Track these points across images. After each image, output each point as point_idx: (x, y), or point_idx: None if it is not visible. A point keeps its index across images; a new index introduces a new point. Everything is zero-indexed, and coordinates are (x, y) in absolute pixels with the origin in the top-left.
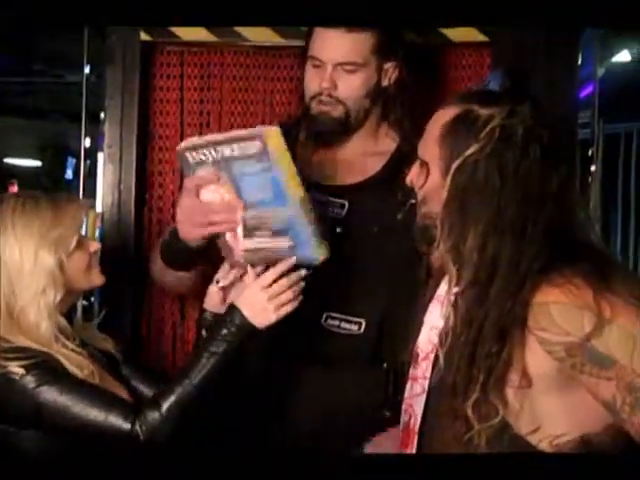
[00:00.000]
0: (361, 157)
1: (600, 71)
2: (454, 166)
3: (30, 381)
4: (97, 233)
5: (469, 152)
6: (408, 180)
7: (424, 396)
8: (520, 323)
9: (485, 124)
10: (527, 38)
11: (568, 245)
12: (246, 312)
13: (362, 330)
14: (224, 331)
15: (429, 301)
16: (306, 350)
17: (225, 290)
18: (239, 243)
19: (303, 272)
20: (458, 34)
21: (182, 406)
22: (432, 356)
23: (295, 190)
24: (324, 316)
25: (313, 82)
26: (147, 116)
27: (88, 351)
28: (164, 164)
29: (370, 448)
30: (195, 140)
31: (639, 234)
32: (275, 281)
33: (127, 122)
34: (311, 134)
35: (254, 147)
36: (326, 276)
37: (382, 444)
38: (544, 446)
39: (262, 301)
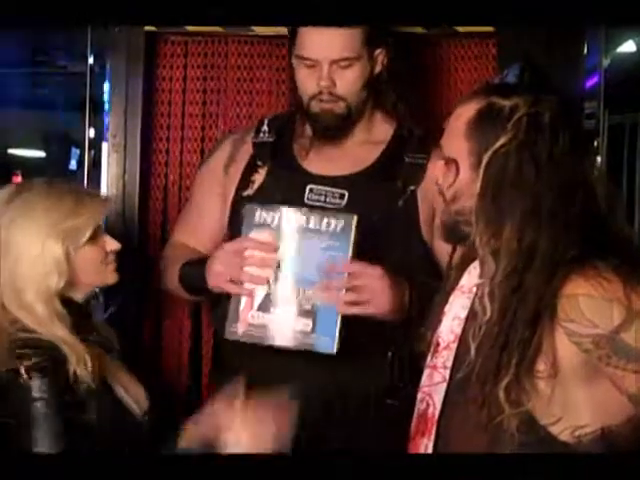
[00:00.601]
0: (359, 146)
1: (605, 62)
2: (485, 159)
3: (31, 388)
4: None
5: (499, 144)
6: (434, 180)
7: (445, 385)
8: (550, 312)
9: (511, 114)
10: (532, 28)
11: (600, 236)
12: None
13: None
14: None
15: (450, 292)
16: None
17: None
18: (248, 314)
19: None
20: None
21: None
22: (454, 345)
23: None
24: None
25: (310, 82)
26: (151, 106)
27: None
28: (167, 154)
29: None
30: (271, 205)
31: None
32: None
33: (131, 112)
34: (316, 132)
35: (334, 225)
36: None
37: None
38: (566, 437)
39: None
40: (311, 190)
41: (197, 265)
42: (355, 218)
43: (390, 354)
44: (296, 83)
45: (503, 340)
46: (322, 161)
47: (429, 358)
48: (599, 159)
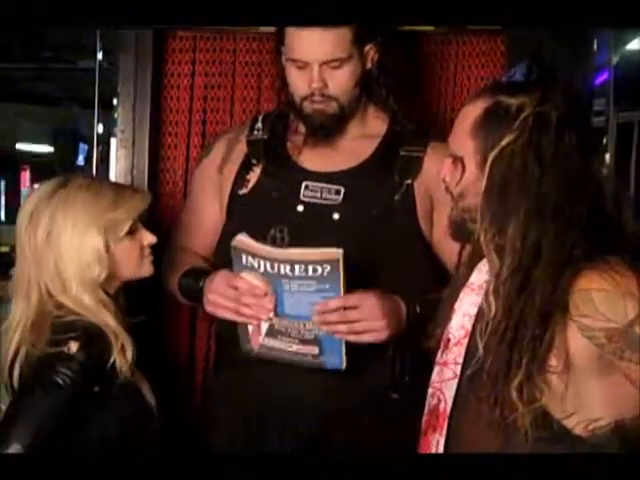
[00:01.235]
0: (354, 141)
1: (614, 59)
2: (491, 157)
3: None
4: None
5: (505, 142)
6: (441, 178)
7: (456, 381)
8: (562, 308)
9: (517, 113)
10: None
11: (611, 232)
12: None
13: None
14: None
15: (460, 289)
16: None
17: None
18: (260, 337)
19: None
20: None
21: None
22: (465, 342)
23: None
24: None
25: (301, 83)
26: (159, 102)
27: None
28: (176, 149)
29: None
30: (255, 246)
31: None
32: None
33: (140, 108)
34: (309, 131)
35: (320, 270)
36: None
37: None
38: (579, 430)
39: None
40: (307, 187)
41: (194, 277)
42: (340, 255)
43: (392, 348)
44: (286, 82)
45: (511, 337)
46: (317, 157)
47: (439, 354)
48: (607, 156)
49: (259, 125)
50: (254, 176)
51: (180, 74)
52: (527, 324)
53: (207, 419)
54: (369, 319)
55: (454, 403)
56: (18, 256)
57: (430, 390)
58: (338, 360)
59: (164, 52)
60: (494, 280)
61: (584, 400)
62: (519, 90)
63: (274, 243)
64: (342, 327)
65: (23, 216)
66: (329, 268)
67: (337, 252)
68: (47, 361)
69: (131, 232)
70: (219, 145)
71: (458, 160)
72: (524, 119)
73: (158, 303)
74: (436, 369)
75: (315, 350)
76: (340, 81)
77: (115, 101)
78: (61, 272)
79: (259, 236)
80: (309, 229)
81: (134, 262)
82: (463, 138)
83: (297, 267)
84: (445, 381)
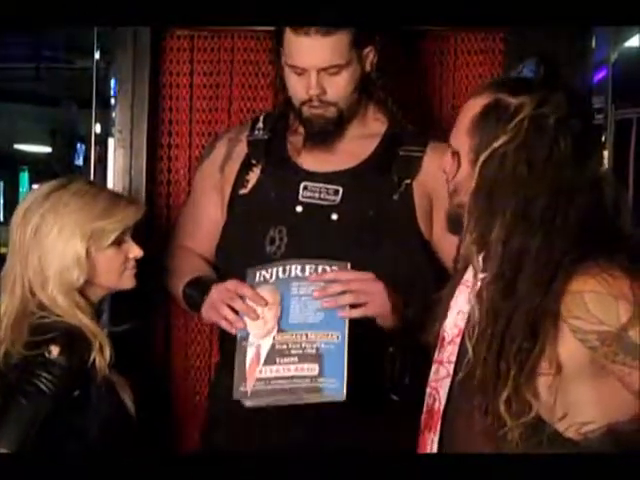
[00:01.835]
0: (352, 142)
1: (613, 56)
2: (482, 157)
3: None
4: None
5: (497, 144)
6: (442, 169)
7: (449, 380)
8: (552, 314)
9: (515, 114)
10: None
11: (604, 235)
12: None
13: None
14: None
15: (456, 285)
16: None
17: None
18: (257, 370)
19: None
20: None
21: None
22: (458, 340)
23: None
24: None
25: (299, 89)
26: (157, 101)
27: None
28: (174, 149)
29: None
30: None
31: None
32: None
33: (137, 107)
34: (308, 134)
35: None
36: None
37: None
38: (571, 433)
39: None
40: (305, 187)
41: (200, 290)
42: (348, 265)
43: (391, 349)
44: (285, 84)
45: (498, 345)
46: (316, 158)
47: (436, 353)
48: (606, 154)
49: (260, 125)
50: (254, 176)
51: (178, 73)
52: (514, 335)
53: (208, 418)
54: (370, 291)
55: (448, 403)
56: (9, 252)
57: (427, 389)
58: (339, 384)
59: (162, 51)
60: (479, 284)
61: (576, 403)
62: (522, 89)
63: (272, 244)
64: (346, 297)
65: (17, 214)
66: (337, 269)
67: (345, 263)
68: (28, 366)
69: (118, 243)
70: (220, 145)
71: (455, 155)
72: (520, 121)
73: (151, 310)
74: (433, 367)
75: (315, 370)
76: (339, 87)
77: (113, 101)
78: (43, 269)
79: (258, 236)
80: (308, 230)
81: (115, 272)
82: (461, 134)
83: (308, 267)
84: (440, 380)
